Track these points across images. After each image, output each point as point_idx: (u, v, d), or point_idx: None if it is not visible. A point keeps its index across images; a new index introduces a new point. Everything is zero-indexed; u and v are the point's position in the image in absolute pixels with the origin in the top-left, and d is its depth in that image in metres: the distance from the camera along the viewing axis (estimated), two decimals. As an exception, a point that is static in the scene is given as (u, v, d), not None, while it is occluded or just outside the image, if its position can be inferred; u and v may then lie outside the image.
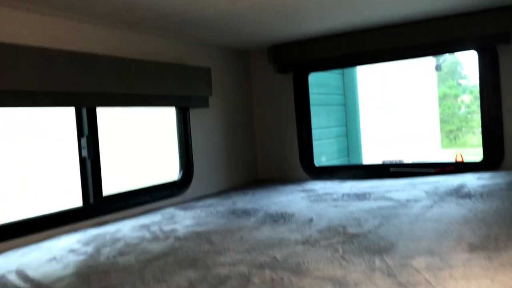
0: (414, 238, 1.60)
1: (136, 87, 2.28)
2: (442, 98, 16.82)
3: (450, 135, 17.48)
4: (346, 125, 9.21)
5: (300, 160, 3.28)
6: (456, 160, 2.85)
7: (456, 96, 17.20)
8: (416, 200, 2.16)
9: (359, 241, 1.60)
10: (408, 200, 2.18)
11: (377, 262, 1.38)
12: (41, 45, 1.95)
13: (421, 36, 2.72)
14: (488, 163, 2.78)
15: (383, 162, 3.14)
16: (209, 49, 3.01)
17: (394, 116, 10.16)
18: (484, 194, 2.13)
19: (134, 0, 1.94)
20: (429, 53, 2.81)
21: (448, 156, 10.00)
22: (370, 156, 8.84)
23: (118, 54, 2.32)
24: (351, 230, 1.75)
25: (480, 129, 2.83)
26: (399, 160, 2.94)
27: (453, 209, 1.95)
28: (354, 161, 8.69)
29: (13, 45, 1.79)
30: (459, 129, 17.47)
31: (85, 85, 2.03)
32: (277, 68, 3.22)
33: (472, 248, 1.43)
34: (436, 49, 2.73)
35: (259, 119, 3.45)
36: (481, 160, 2.83)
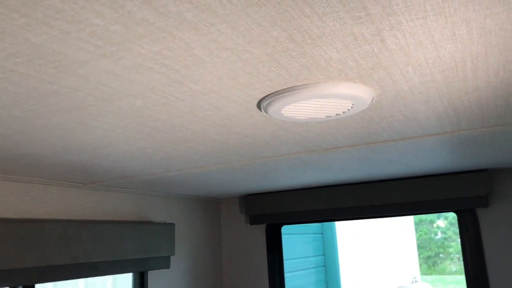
0: None
1: (88, 255, 2.03)
2: (418, 223, 16.78)
3: (429, 261, 17.12)
4: (324, 255, 8.88)
5: (273, 324, 2.95)
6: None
7: (431, 222, 17.22)
8: None
9: None
10: None
11: None
12: (-22, 214, 1.73)
13: (397, 195, 2.61)
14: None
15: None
16: (174, 201, 2.83)
17: (372, 242, 9.92)
18: None
19: (91, 164, 1.78)
20: (405, 212, 2.67)
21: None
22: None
23: (70, 216, 2.10)
24: None
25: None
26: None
27: None
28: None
29: None
30: (437, 255, 17.19)
31: (25, 260, 1.77)
32: (248, 219, 3.06)
33: None
34: (412, 209, 2.61)
35: (228, 276, 3.17)
36: (471, 329, 2.57)
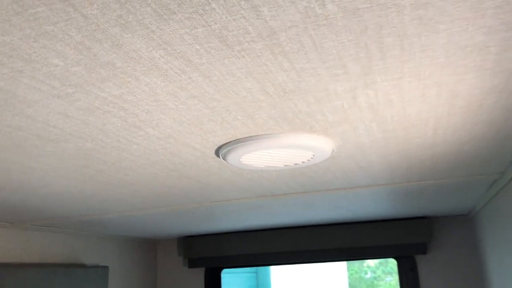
0: None
1: (8, 303, 1.83)
2: (350, 262, 17.09)
3: (359, 301, 17.35)
4: (257, 294, 8.74)
5: None
6: None
7: (362, 261, 17.60)
8: None
9: None
10: None
11: None
12: None
13: (338, 240, 2.61)
14: None
15: None
16: (108, 242, 2.66)
17: (305, 281, 9.91)
18: None
19: (22, 204, 1.62)
20: (346, 257, 2.68)
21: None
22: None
23: (-9, 260, 1.90)
24: None
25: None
26: None
27: None
28: None
29: None
30: (367, 294, 17.47)
31: None
32: (187, 262, 2.93)
33: None
34: (353, 254, 2.62)
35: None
36: None
